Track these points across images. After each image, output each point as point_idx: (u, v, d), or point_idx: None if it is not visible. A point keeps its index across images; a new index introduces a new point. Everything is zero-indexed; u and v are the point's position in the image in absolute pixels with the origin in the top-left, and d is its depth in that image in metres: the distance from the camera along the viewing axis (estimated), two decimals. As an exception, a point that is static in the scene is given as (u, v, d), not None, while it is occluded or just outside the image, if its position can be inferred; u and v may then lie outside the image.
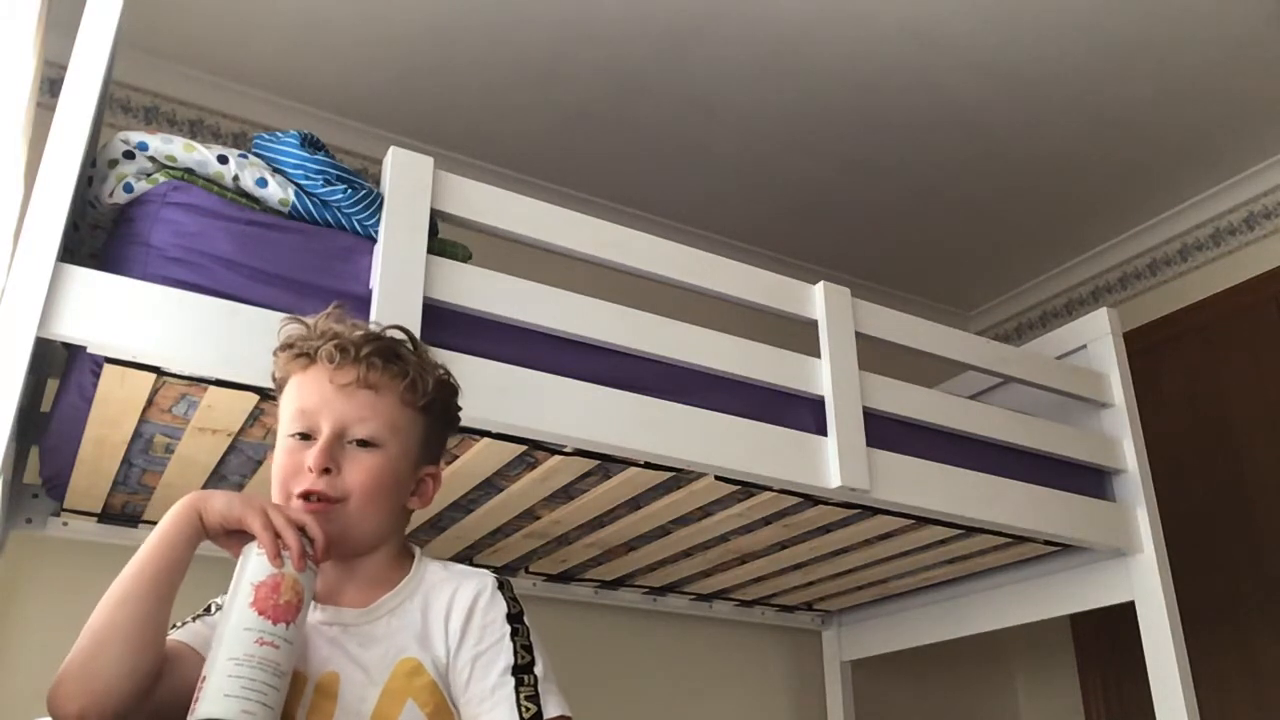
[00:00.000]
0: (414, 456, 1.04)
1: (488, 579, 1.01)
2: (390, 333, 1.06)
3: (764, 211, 3.03)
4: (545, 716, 0.95)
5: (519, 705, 0.94)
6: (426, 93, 2.55)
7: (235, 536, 0.93)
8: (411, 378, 1.02)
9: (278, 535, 0.91)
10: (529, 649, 0.98)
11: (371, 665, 0.95)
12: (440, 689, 0.95)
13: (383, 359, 1.01)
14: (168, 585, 0.91)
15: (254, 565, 0.90)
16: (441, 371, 1.08)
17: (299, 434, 0.99)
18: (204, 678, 0.85)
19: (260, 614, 0.86)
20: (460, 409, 1.12)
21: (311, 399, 0.99)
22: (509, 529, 1.96)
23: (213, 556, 0.97)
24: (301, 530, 0.93)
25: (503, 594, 1.00)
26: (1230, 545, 2.66)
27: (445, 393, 1.08)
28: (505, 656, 0.96)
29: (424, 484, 1.06)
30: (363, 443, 0.99)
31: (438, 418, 1.07)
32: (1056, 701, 3.05)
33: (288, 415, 1.01)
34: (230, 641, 0.86)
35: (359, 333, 1.03)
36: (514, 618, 0.99)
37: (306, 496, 0.96)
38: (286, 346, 1.03)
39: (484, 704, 0.94)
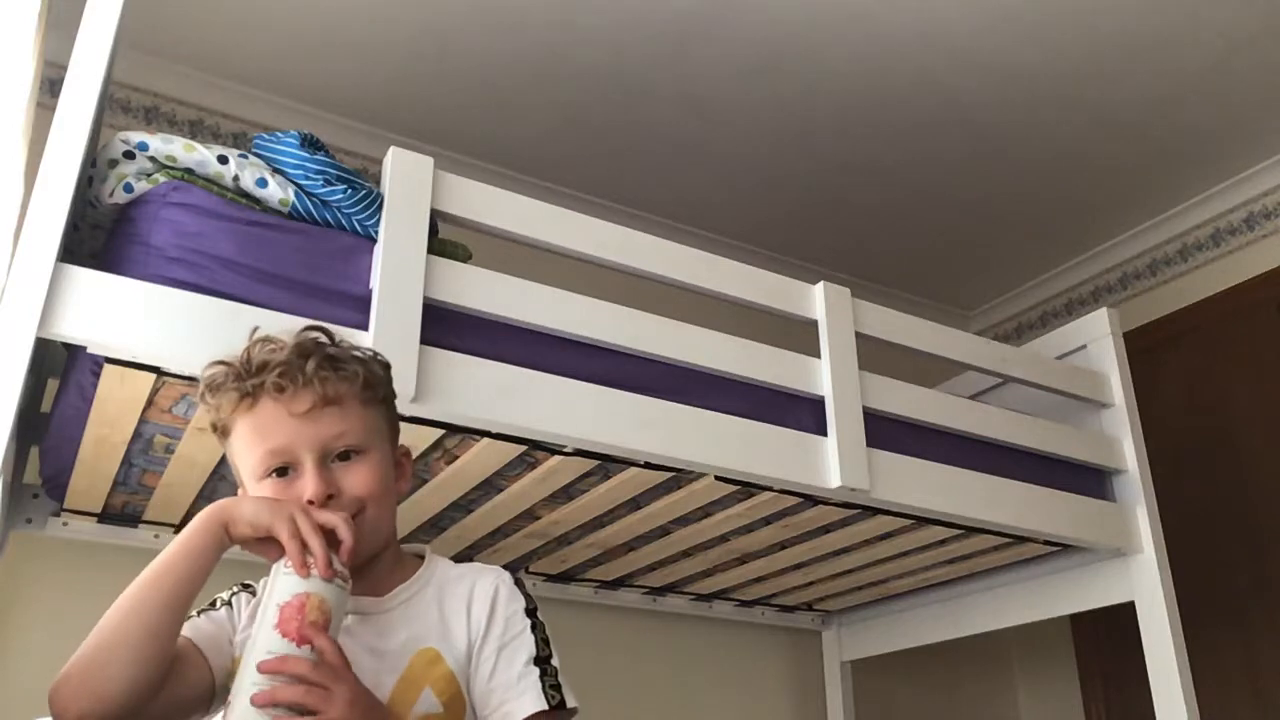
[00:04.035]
0: (390, 446, 1.05)
1: (504, 574, 1.04)
2: (310, 335, 1.01)
3: (764, 211, 3.02)
4: (567, 705, 0.97)
5: (545, 693, 0.96)
6: (426, 93, 2.55)
7: (268, 542, 0.92)
8: (363, 376, 1.01)
9: (305, 544, 0.90)
10: (547, 642, 1.00)
11: (389, 653, 0.96)
12: (457, 679, 0.96)
13: (332, 369, 0.98)
14: (183, 597, 0.90)
15: (280, 585, 0.89)
16: (373, 354, 1.06)
17: (277, 471, 0.96)
18: (233, 695, 0.85)
19: (284, 636, 0.86)
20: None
21: (278, 437, 0.96)
22: (509, 529, 1.96)
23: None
24: (330, 534, 0.92)
25: (520, 589, 1.03)
26: (1230, 545, 2.66)
27: (388, 375, 1.07)
28: (528, 648, 0.99)
29: (401, 466, 1.07)
30: (346, 455, 0.98)
31: (390, 401, 1.07)
32: (1056, 701, 3.05)
33: (254, 458, 0.96)
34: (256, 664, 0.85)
35: (287, 353, 0.98)
36: (532, 612, 1.02)
37: None
38: (215, 389, 0.98)
39: (510, 690, 0.96)
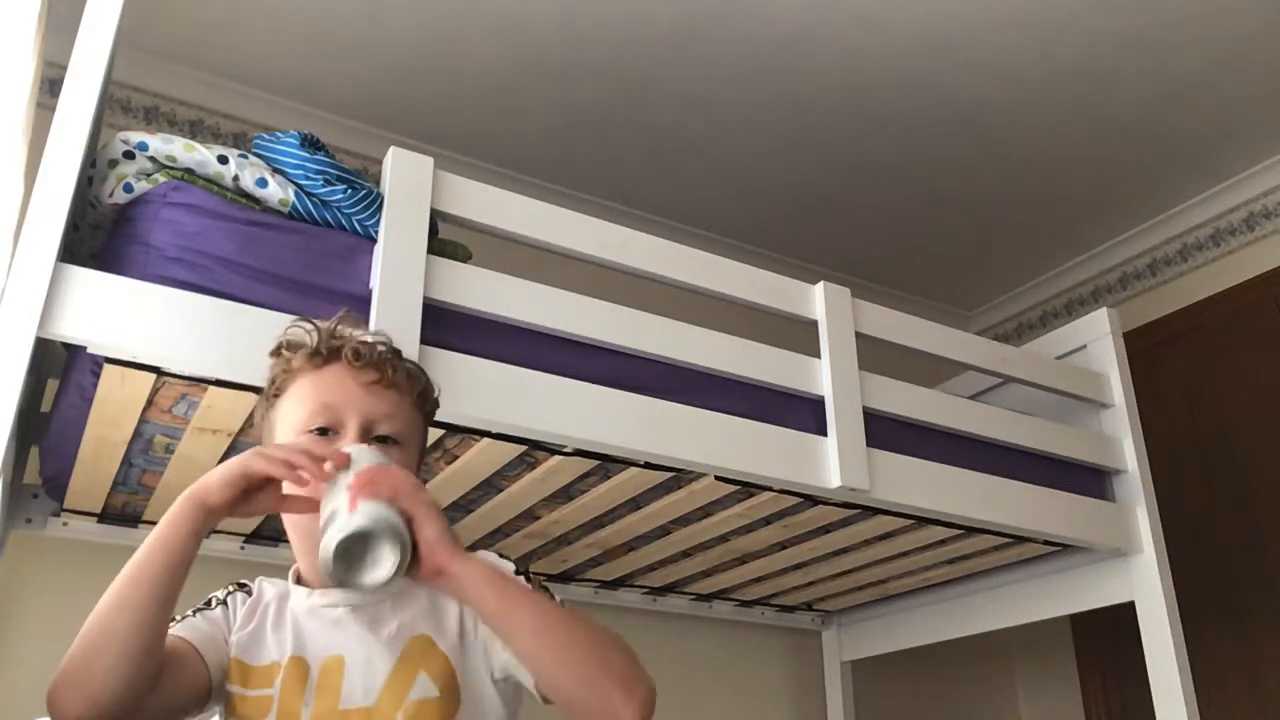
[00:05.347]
0: (417, 460, 1.07)
1: (486, 553, 1.02)
2: (385, 338, 1.08)
3: (764, 211, 3.02)
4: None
5: (536, 590, 0.97)
6: (426, 93, 2.55)
7: (252, 494, 0.92)
8: (424, 384, 1.07)
9: (287, 464, 0.90)
10: (546, 588, 1.01)
11: (383, 642, 0.95)
12: (452, 664, 0.96)
13: (400, 363, 1.04)
14: (169, 589, 0.89)
15: (367, 456, 0.92)
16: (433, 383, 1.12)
17: (319, 429, 0.99)
18: (335, 511, 0.86)
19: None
20: None
21: (336, 394, 1.00)
22: (509, 529, 1.96)
23: (216, 557, 0.96)
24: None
25: (503, 557, 1.01)
26: (1230, 545, 2.66)
27: (437, 403, 1.12)
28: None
29: None
30: (384, 439, 1.00)
31: (429, 419, 1.11)
32: (1056, 701, 3.05)
33: (304, 411, 1.00)
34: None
35: (367, 336, 1.05)
36: (519, 572, 1.00)
37: None
38: (296, 346, 1.03)
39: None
